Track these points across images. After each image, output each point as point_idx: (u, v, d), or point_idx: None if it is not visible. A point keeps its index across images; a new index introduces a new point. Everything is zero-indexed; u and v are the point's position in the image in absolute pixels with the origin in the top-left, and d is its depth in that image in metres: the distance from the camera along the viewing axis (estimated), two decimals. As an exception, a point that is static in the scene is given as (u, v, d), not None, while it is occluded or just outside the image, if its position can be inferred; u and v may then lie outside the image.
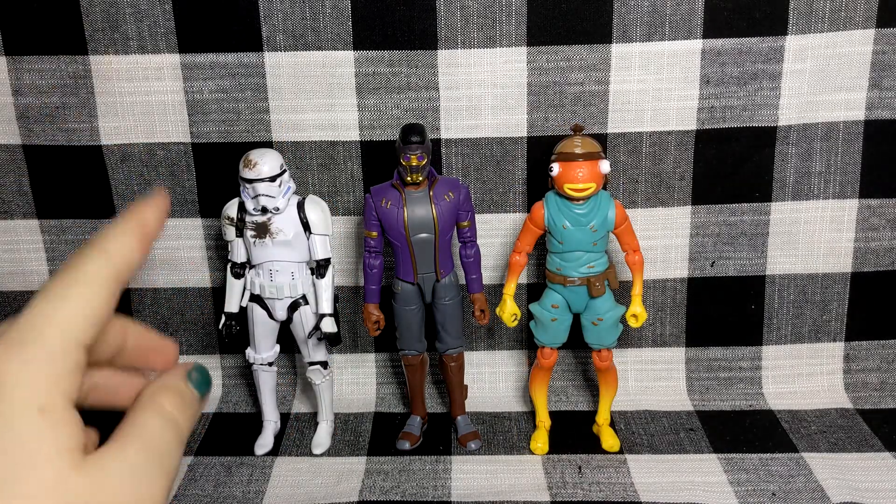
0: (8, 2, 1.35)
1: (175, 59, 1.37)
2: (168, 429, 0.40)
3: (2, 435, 0.33)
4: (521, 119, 1.40)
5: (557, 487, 1.26)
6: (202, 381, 0.45)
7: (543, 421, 1.39)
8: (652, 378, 1.52)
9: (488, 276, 1.48)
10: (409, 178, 1.26)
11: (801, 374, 1.51)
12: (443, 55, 1.36)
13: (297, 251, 1.31)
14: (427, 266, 1.30)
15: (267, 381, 1.40)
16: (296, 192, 1.33)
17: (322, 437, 1.39)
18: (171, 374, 0.43)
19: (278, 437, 1.41)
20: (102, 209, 1.47)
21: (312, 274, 1.33)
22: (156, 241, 1.49)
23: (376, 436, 1.41)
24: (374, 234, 1.30)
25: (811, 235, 1.46)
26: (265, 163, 1.26)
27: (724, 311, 1.50)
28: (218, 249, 1.48)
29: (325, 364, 1.38)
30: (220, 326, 1.35)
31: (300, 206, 1.30)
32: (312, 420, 1.46)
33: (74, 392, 0.36)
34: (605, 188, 1.31)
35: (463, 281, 1.36)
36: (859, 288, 1.49)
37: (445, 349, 1.37)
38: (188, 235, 1.48)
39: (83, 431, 0.36)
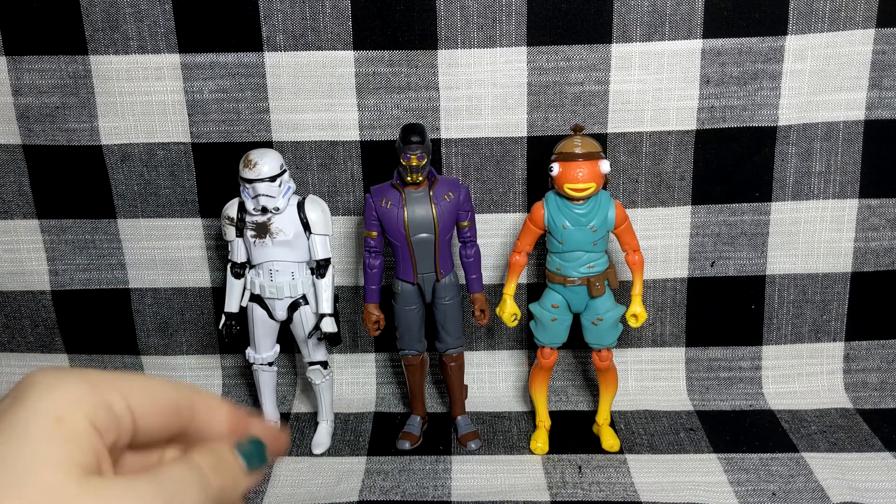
0: (8, 2, 1.35)
1: (175, 59, 1.37)
2: (190, 476, 0.38)
3: (16, 435, 0.34)
4: (521, 119, 1.40)
5: (557, 487, 1.26)
6: (253, 453, 0.41)
7: (543, 421, 1.39)
8: (652, 378, 1.52)
9: (488, 276, 1.48)
10: (409, 178, 1.25)
11: (801, 374, 1.51)
12: (443, 55, 1.36)
13: (297, 251, 1.31)
14: (427, 266, 1.30)
15: (267, 381, 1.40)
16: (296, 192, 1.33)
17: (322, 437, 1.39)
18: (218, 441, 0.42)
19: (278, 437, 1.41)
20: (102, 209, 1.47)
21: (312, 274, 1.33)
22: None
23: (376, 436, 1.41)
24: (374, 234, 1.30)
25: (811, 235, 1.46)
26: (265, 163, 1.26)
27: (724, 311, 1.50)
28: (218, 249, 1.48)
29: (325, 364, 1.38)
30: (220, 326, 1.35)
31: (300, 206, 1.30)
32: (312, 420, 1.45)
33: (99, 423, 0.36)
34: (605, 188, 1.31)
35: (463, 281, 1.36)
36: (859, 288, 1.49)
37: (445, 349, 1.37)
38: (188, 235, 1.48)
39: (97, 455, 0.36)
